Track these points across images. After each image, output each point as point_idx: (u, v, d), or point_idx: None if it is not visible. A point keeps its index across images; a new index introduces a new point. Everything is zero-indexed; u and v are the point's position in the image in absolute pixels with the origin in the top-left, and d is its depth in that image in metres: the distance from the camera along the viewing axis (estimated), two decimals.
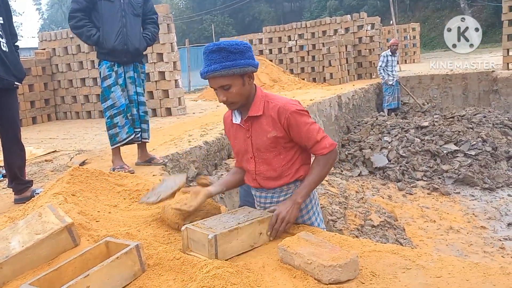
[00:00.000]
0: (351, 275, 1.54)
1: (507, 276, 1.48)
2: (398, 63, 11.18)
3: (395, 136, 8.22)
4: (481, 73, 10.75)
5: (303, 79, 12.44)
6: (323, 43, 11.97)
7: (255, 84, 2.03)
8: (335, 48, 11.32)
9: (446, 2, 31.18)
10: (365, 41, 12.28)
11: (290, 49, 12.92)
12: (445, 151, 7.35)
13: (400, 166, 7.37)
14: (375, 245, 1.83)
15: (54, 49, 8.67)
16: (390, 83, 10.27)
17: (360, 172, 7.66)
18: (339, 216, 4.53)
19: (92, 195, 2.48)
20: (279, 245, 1.71)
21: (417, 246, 4.78)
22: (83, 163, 4.30)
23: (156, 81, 7.78)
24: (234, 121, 2.08)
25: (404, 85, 11.15)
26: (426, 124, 8.30)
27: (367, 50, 12.34)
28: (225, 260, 1.74)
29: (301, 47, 12.80)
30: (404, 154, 7.59)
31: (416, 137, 7.98)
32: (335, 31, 12.38)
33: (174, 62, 7.71)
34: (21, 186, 3.25)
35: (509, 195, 6.28)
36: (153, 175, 3.65)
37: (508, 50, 10.66)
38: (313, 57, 12.58)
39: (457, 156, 7.26)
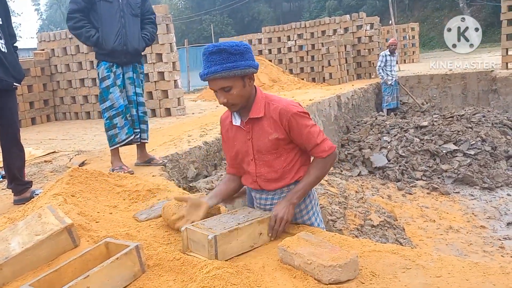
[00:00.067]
0: (351, 275, 1.54)
1: (506, 276, 1.48)
2: (397, 63, 11.18)
3: (395, 136, 8.22)
4: (480, 72, 10.76)
5: (303, 79, 12.44)
6: (322, 43, 11.97)
7: (255, 85, 2.02)
8: (334, 48, 11.32)
9: (445, 1, 31.19)
10: (364, 41, 12.29)
11: (289, 49, 12.93)
12: (444, 151, 7.36)
13: (400, 166, 7.37)
14: (375, 245, 1.83)
15: (53, 49, 8.66)
16: (389, 83, 10.28)
17: (360, 172, 7.66)
18: (339, 216, 4.53)
19: (91, 196, 2.48)
20: (279, 246, 1.71)
21: (417, 246, 4.79)
22: (82, 164, 4.30)
23: (155, 82, 7.77)
24: (234, 123, 2.05)
25: (403, 85, 11.15)
26: (425, 123, 8.31)
27: (366, 50, 12.34)
28: (225, 260, 1.74)
29: (300, 47, 12.81)
30: (403, 154, 7.60)
31: (416, 136, 7.99)
32: (334, 31, 12.39)
33: (173, 63, 7.70)
34: (20, 187, 3.24)
35: (508, 194, 6.28)
36: (153, 176, 3.65)
37: (507, 49, 10.66)
38: (312, 57, 12.59)
39: (456, 156, 7.26)
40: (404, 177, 7.18)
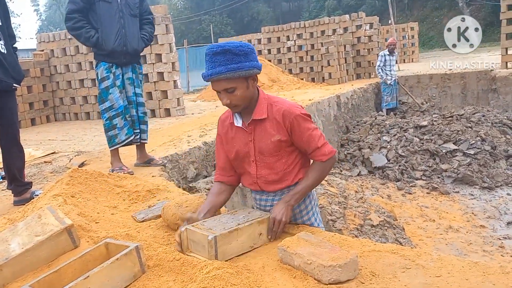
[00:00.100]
0: (351, 275, 1.54)
1: (506, 275, 1.48)
2: (396, 62, 11.19)
3: (394, 135, 8.23)
4: (479, 72, 10.76)
5: (302, 79, 12.45)
6: (321, 43, 11.97)
7: (257, 86, 2.00)
8: (333, 48, 11.33)
9: (444, 1, 31.18)
10: (364, 40, 12.29)
11: (289, 49, 12.93)
12: (444, 151, 7.36)
13: (399, 166, 7.37)
14: (375, 244, 1.83)
15: (52, 50, 8.66)
16: (389, 82, 10.28)
17: (359, 171, 7.66)
18: (339, 216, 4.53)
19: (91, 197, 2.48)
20: (278, 246, 1.71)
21: (417, 246, 4.79)
22: (82, 165, 4.30)
23: (155, 82, 7.77)
24: (236, 124, 2.02)
25: (403, 85, 11.15)
26: (425, 123, 8.31)
27: (366, 50, 12.34)
28: (225, 261, 1.74)
29: (300, 47, 12.82)
30: (403, 154, 7.60)
31: (415, 136, 7.99)
32: (334, 31, 12.39)
33: (173, 63, 7.70)
34: (20, 187, 3.24)
35: (508, 194, 6.28)
36: (152, 176, 3.65)
37: (506, 49, 10.67)
38: (312, 57, 12.59)
39: (456, 155, 7.27)
40: (404, 176, 7.18)
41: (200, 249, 1.78)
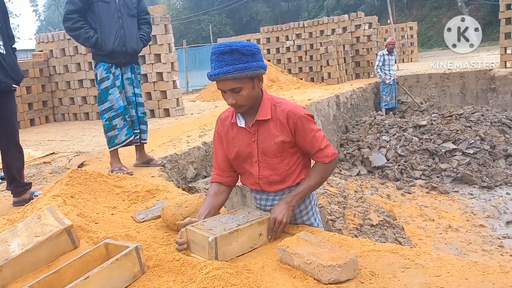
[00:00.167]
0: (351, 275, 1.54)
1: (506, 275, 1.48)
2: (395, 62, 11.20)
3: (393, 135, 8.23)
4: (478, 71, 10.77)
5: (301, 79, 12.45)
6: (320, 43, 11.97)
7: (261, 87, 1.99)
8: (333, 47, 11.33)
9: (443, 0, 31.19)
10: (363, 40, 12.29)
11: (288, 49, 12.93)
12: (443, 150, 7.37)
13: (399, 165, 7.38)
14: (374, 244, 1.83)
15: (51, 50, 8.65)
16: (388, 82, 10.28)
17: (359, 171, 7.67)
18: (338, 216, 4.53)
19: (91, 197, 2.48)
20: (278, 246, 1.71)
21: (416, 245, 4.79)
22: (81, 165, 4.30)
23: (154, 82, 7.77)
24: (239, 124, 2.00)
25: (402, 84, 11.16)
26: (424, 123, 8.32)
27: (365, 50, 12.34)
28: (225, 261, 1.74)
29: (299, 47, 12.81)
30: (402, 153, 7.60)
31: (414, 136, 8.00)
32: (333, 30, 12.39)
33: (172, 63, 7.70)
34: (19, 188, 3.24)
35: (507, 193, 6.29)
36: (152, 176, 3.65)
37: (505, 48, 10.67)
38: (311, 56, 12.59)
39: (455, 155, 7.27)
40: (403, 176, 7.18)
41: (200, 249, 1.78)
